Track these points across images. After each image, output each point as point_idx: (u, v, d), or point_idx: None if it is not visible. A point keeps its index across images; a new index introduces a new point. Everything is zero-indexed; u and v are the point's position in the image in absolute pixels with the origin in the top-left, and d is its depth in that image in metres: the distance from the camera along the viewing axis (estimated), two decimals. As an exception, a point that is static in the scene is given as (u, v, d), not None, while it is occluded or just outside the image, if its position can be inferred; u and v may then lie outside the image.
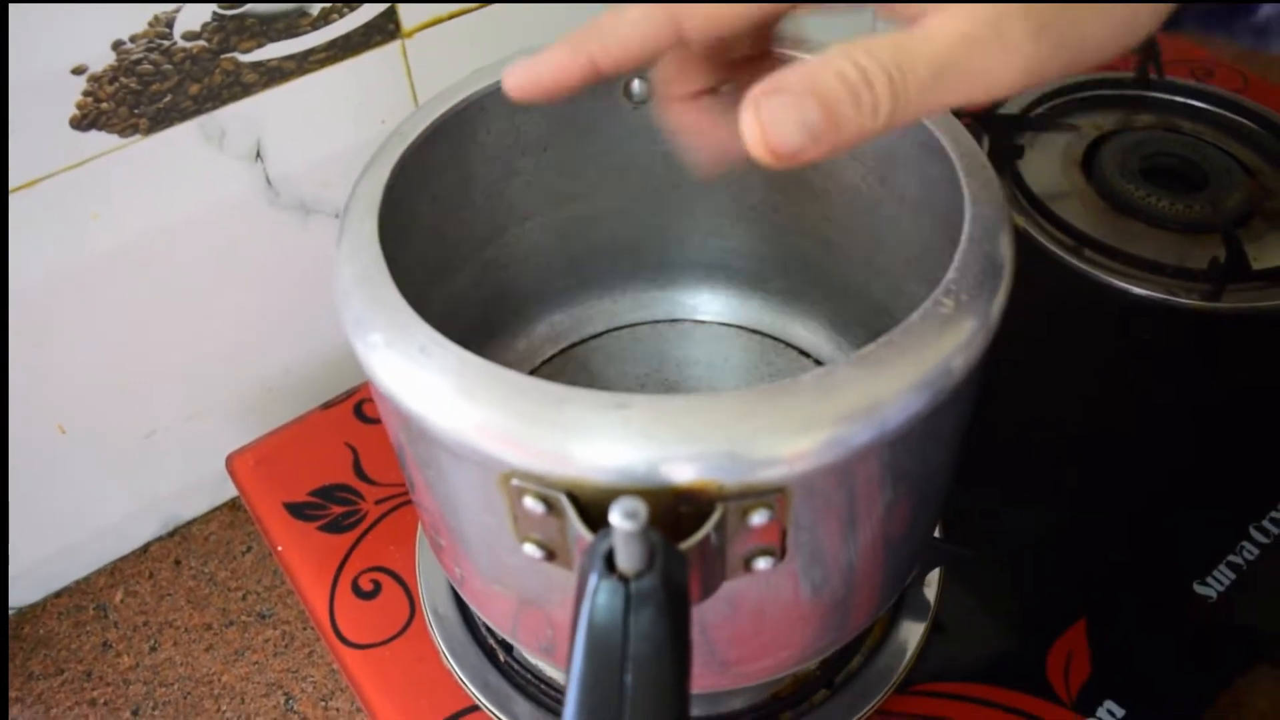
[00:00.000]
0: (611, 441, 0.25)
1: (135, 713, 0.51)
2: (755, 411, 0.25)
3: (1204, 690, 0.42)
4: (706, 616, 0.31)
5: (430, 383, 0.27)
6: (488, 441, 0.26)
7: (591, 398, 0.26)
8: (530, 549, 0.28)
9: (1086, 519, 0.47)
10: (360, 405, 0.53)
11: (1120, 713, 0.41)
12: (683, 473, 0.25)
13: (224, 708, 0.51)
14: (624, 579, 0.23)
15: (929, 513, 0.34)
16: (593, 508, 0.25)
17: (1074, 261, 0.58)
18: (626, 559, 0.22)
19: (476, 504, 0.29)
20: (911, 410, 0.26)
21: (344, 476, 0.50)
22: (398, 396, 0.28)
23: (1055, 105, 0.69)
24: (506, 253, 0.44)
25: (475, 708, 0.42)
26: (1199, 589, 0.44)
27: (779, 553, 0.28)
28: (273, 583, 0.55)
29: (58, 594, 0.56)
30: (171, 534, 0.58)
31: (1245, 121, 0.67)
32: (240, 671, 0.52)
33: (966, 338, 0.28)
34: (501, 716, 0.41)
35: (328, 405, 0.53)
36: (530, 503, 0.26)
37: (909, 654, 0.42)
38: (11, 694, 0.53)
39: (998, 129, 0.65)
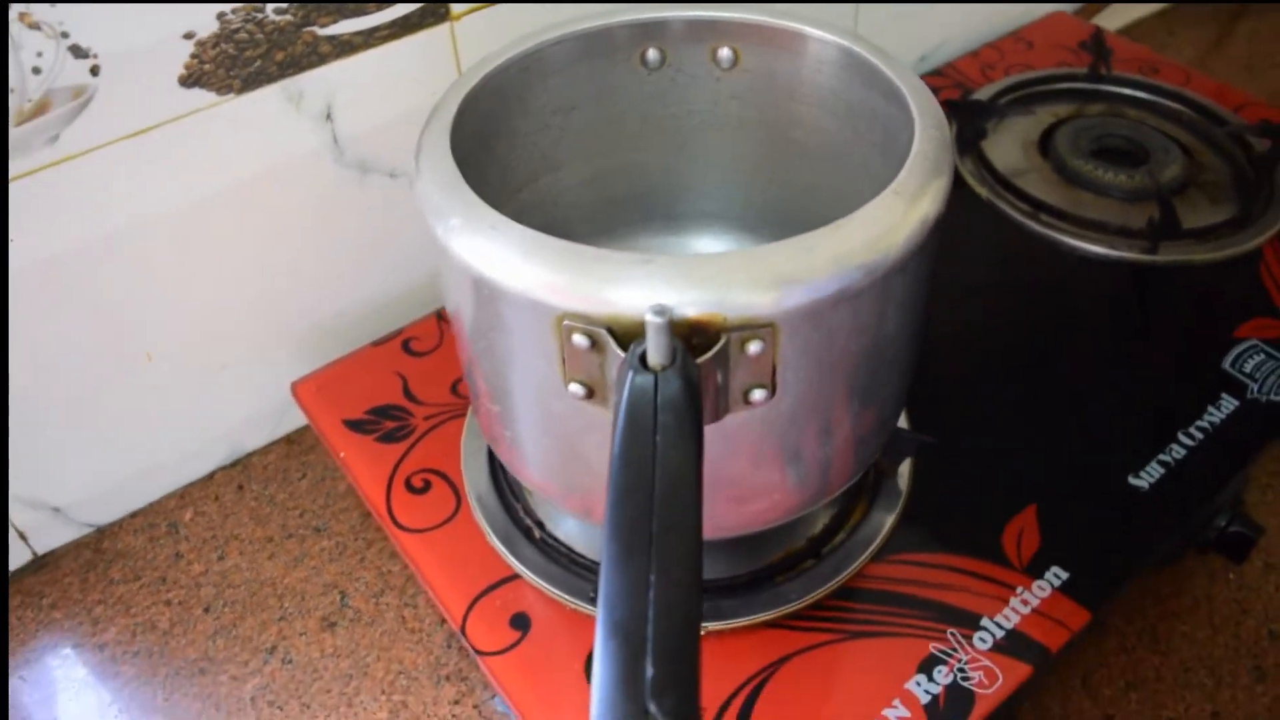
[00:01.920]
0: (640, 287, 0.33)
1: (207, 610, 0.59)
2: (751, 263, 0.33)
3: (1137, 559, 0.49)
4: (710, 457, 0.38)
5: (500, 252, 0.35)
6: (545, 293, 0.34)
7: (624, 256, 0.34)
8: (575, 388, 0.36)
9: (1039, 425, 0.55)
10: (408, 342, 0.61)
11: (1064, 575, 0.48)
12: (694, 309, 0.32)
13: (286, 604, 0.58)
14: (653, 371, 0.30)
15: (893, 378, 0.42)
16: (627, 339, 0.33)
17: (1032, 225, 0.66)
18: (656, 352, 0.30)
19: (532, 353, 0.36)
20: (867, 270, 0.34)
21: (395, 398, 0.58)
22: (474, 265, 0.35)
23: (1017, 96, 0.77)
24: (540, 196, 0.52)
25: (515, 576, 0.49)
26: (1133, 481, 0.52)
27: (771, 386, 0.35)
28: (326, 503, 0.63)
29: (132, 514, 0.63)
30: (234, 464, 0.66)
31: (1185, 110, 0.75)
32: (300, 575, 0.60)
33: (911, 218, 0.35)
34: (539, 580, 0.48)
35: (378, 342, 0.61)
36: (578, 339, 0.34)
37: (884, 531, 0.50)
38: (94, 597, 0.60)
39: (967, 113, 0.73)
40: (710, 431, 0.35)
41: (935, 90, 0.77)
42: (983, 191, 0.69)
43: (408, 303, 0.65)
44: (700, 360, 0.32)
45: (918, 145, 0.38)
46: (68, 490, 0.60)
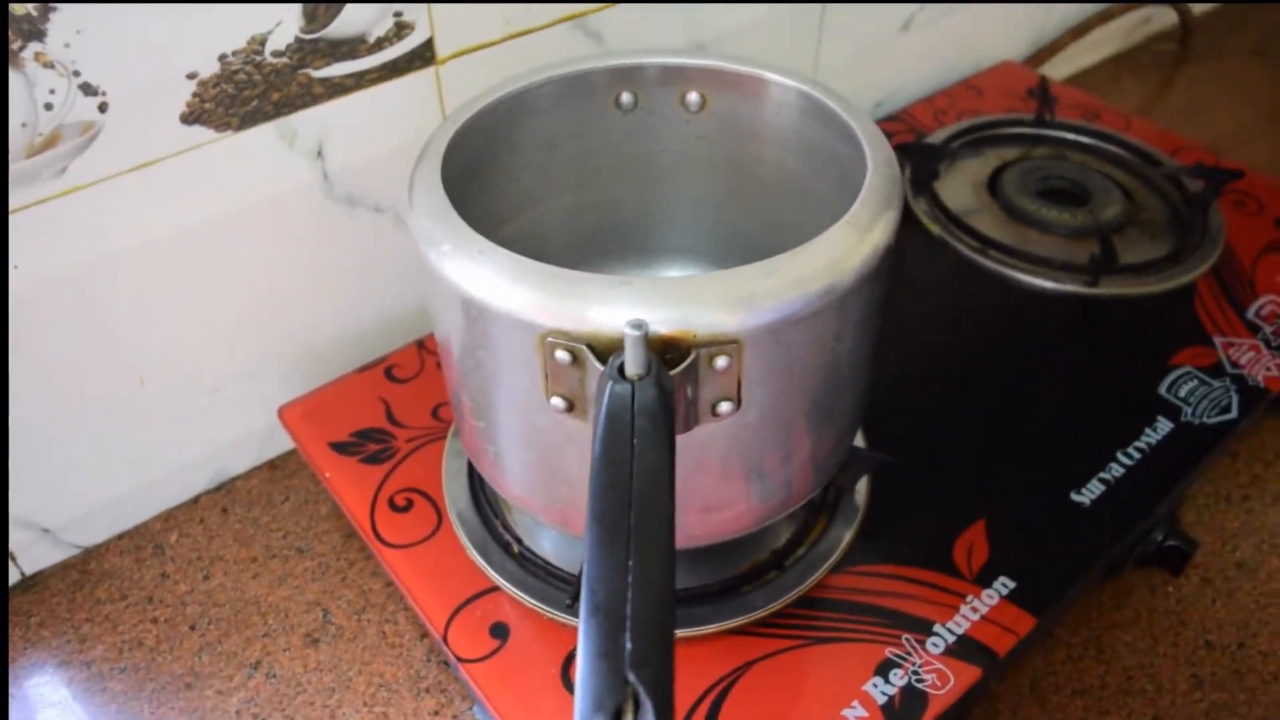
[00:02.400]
0: (618, 306, 0.36)
1: (193, 627, 0.60)
2: (718, 285, 0.37)
3: (1079, 569, 0.53)
4: (681, 466, 0.41)
5: (487, 274, 0.38)
6: (529, 312, 0.37)
7: (602, 278, 0.37)
8: (557, 401, 0.39)
9: (988, 445, 0.59)
10: (390, 369, 0.63)
11: (1012, 584, 0.51)
12: (667, 326, 0.36)
13: (270, 621, 0.60)
14: (630, 381, 0.33)
15: (850, 395, 0.45)
16: (605, 354, 0.36)
17: (980, 260, 0.70)
18: (633, 363, 0.33)
19: (516, 368, 0.39)
20: (823, 292, 0.38)
21: (378, 422, 0.60)
22: (464, 287, 0.38)
23: (967, 140, 0.82)
24: (522, 229, 0.55)
25: (495, 588, 0.51)
26: (1075, 497, 0.55)
27: (736, 399, 0.38)
28: (309, 525, 0.65)
29: (119, 536, 0.65)
30: (218, 488, 0.68)
31: (1125, 153, 0.80)
32: (283, 593, 0.62)
33: (864, 246, 0.39)
34: (517, 592, 0.51)
35: (362, 369, 0.64)
36: (560, 354, 0.37)
37: (843, 545, 0.53)
38: (81, 615, 0.61)
39: (920, 155, 0.78)
40: (681, 443, 0.38)
41: (890, 134, 0.82)
42: (935, 229, 0.73)
43: (391, 332, 0.67)
44: (673, 373, 0.35)
45: (870, 180, 0.42)
46: (58, 511, 0.62)
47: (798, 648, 0.49)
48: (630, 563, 0.29)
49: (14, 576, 0.62)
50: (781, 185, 0.54)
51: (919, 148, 0.79)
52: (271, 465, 0.69)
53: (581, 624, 0.28)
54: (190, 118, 0.51)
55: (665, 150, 0.56)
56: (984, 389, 0.63)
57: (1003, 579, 0.51)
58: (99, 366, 0.57)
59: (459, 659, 0.49)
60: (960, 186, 0.77)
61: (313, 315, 0.64)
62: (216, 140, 0.53)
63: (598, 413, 0.34)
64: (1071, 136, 0.82)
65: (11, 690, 0.58)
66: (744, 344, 0.37)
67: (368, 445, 0.59)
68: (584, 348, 0.36)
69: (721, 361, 0.37)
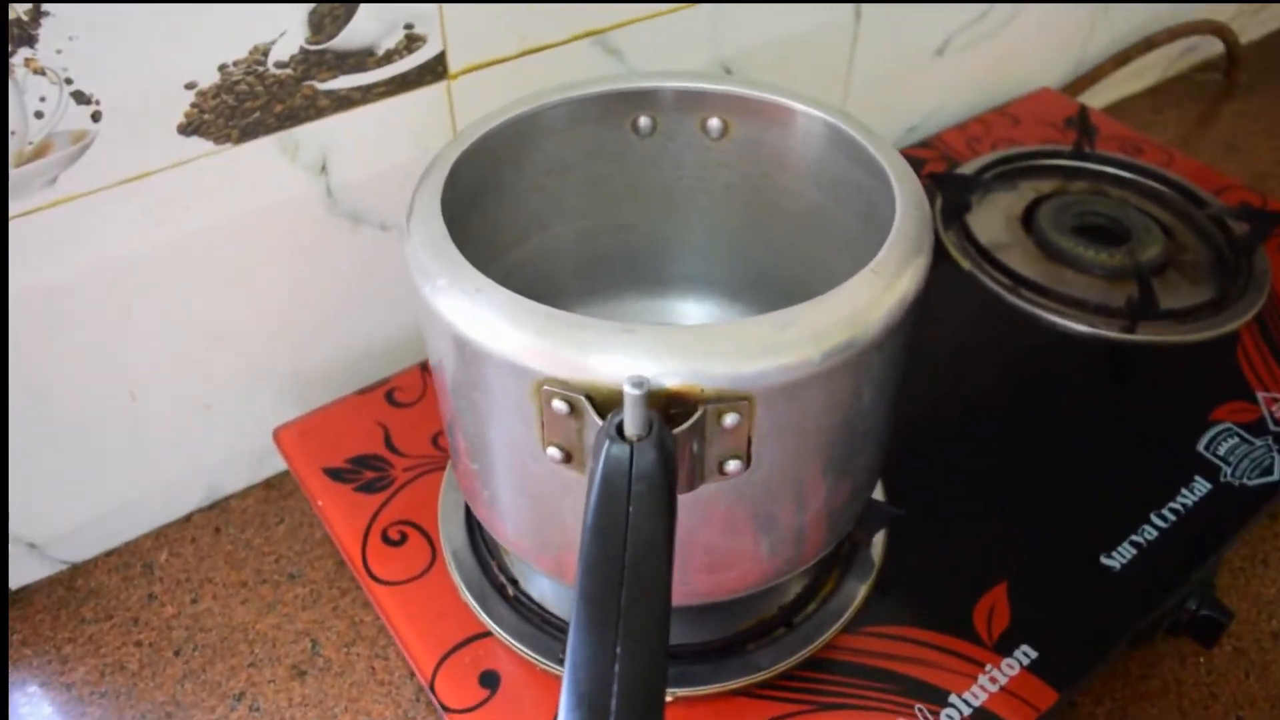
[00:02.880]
0: (621, 355, 0.33)
1: (177, 653, 0.58)
2: (730, 336, 0.34)
3: (1107, 640, 0.49)
4: (684, 524, 0.39)
5: (483, 314, 0.35)
6: (526, 357, 0.34)
7: (605, 325, 0.34)
8: (553, 451, 0.36)
9: (1014, 501, 0.55)
10: (391, 392, 0.61)
11: (1034, 654, 0.48)
12: (673, 379, 0.33)
13: (257, 650, 0.58)
14: (629, 442, 0.31)
15: (868, 452, 0.42)
16: (605, 407, 0.34)
17: (1012, 299, 0.67)
18: (632, 423, 0.31)
19: (511, 414, 0.37)
20: (845, 346, 0.35)
21: (376, 448, 0.58)
22: (458, 326, 0.36)
23: (1002, 170, 0.79)
24: (529, 255, 0.53)
25: (487, 633, 0.49)
26: (1105, 560, 0.52)
27: (746, 457, 0.36)
28: (302, 549, 0.63)
29: (108, 553, 0.63)
30: (212, 506, 0.66)
31: (1166, 190, 0.77)
32: (272, 621, 0.59)
33: (889, 297, 0.36)
34: (509, 638, 0.48)
35: (363, 391, 0.61)
36: (557, 404, 0.34)
37: (856, 602, 0.50)
38: (64, 635, 0.59)
39: (951, 186, 0.75)
40: (685, 500, 0.35)
41: (921, 162, 0.79)
42: (965, 264, 0.70)
43: (393, 353, 0.65)
44: (677, 431, 0.33)
45: (899, 224, 0.39)
46: (45, 526, 0.60)
47: (804, 714, 0.46)
48: (618, 649, 0.27)
49: (-3, 592, 0.61)
50: (803, 217, 0.51)
51: (951, 178, 0.76)
52: (268, 484, 0.67)
53: (561, 715, 0.26)
54: (188, 129, 0.49)
55: (683, 177, 0.53)
56: (1010, 438, 0.59)
57: (1024, 648, 0.48)
58: (88, 380, 0.55)
59: (445, 709, 0.46)
60: (993, 219, 0.74)
61: (312, 334, 0.62)
62: (215, 153, 0.51)
63: (593, 469, 0.31)
64: (1111, 170, 0.79)
65: (-14, 712, 0.56)
66: (756, 401, 0.34)
67: (364, 473, 0.57)
68: (582, 399, 0.34)
69: (731, 419, 0.34)
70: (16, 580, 0.61)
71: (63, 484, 0.59)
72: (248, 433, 0.63)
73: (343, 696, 0.56)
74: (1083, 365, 0.64)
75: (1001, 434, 0.60)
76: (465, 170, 0.44)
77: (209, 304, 0.56)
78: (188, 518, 0.65)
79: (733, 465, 0.36)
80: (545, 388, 0.34)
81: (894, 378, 0.40)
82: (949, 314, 0.67)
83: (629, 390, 0.30)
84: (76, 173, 0.47)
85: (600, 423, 0.33)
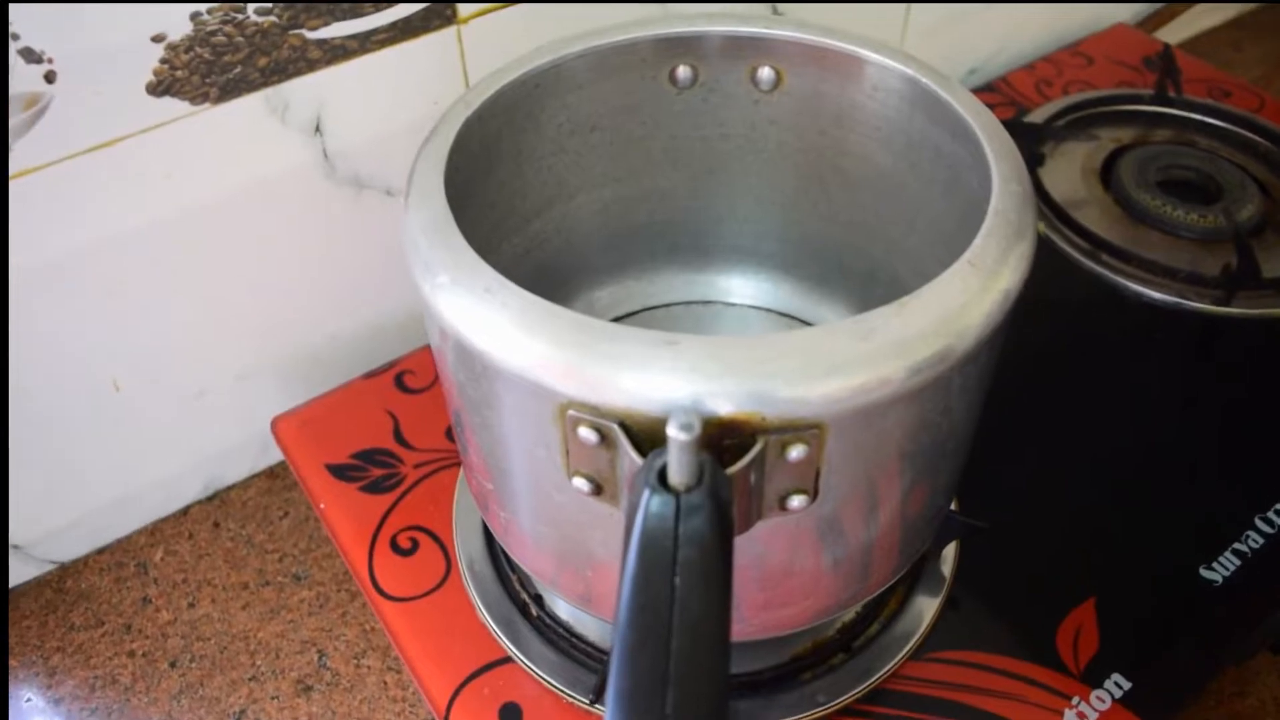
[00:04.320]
0: (662, 374, 0.27)
1: (173, 664, 0.53)
2: (796, 351, 0.27)
3: (1208, 667, 0.44)
4: (739, 559, 0.33)
5: (494, 320, 0.29)
6: (548, 374, 0.28)
7: (644, 335, 0.28)
8: (580, 482, 0.30)
9: (1098, 504, 0.49)
10: (401, 376, 0.55)
11: (1127, 685, 0.42)
12: (728, 405, 0.27)
13: (259, 662, 0.53)
14: (675, 493, 0.25)
15: (948, 473, 0.36)
16: (645, 439, 0.27)
17: (1090, 265, 0.60)
18: (678, 471, 0.24)
19: (530, 439, 0.31)
20: (937, 359, 0.28)
21: (384, 441, 0.52)
22: (463, 334, 0.30)
23: (1077, 118, 0.71)
24: (552, 226, 0.46)
25: (507, 659, 0.43)
26: (1205, 573, 0.46)
27: (813, 491, 0.30)
28: (308, 546, 0.57)
29: (100, 550, 0.58)
30: (211, 498, 0.60)
31: (1260, 139, 0.69)
32: (275, 629, 0.54)
33: (990, 294, 0.30)
34: (532, 667, 0.43)
35: (370, 374, 0.55)
36: (585, 432, 0.28)
37: (925, 624, 0.44)
38: (52, 644, 0.55)
39: (1020, 136, 0.67)
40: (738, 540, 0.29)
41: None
42: (1038, 225, 0.62)
43: (404, 332, 0.59)
44: (732, 471, 0.26)
45: (996, 203, 0.32)
46: (29, 525, 0.55)
47: (867, 756, 0.40)
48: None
49: (-19, 593, 0.56)
50: (868, 183, 0.44)
51: (1019, 126, 0.68)
52: (271, 474, 0.62)
53: None
54: (159, 88, 0.43)
55: (728, 135, 0.46)
56: (1091, 430, 0.53)
57: (1116, 677, 0.42)
58: (66, 370, 0.49)
59: (461, 748, 0.41)
60: (1067, 174, 0.66)
61: (314, 312, 0.56)
62: (193, 114, 0.44)
63: (630, 522, 0.25)
64: (1198, 117, 0.71)
65: (-31, 729, 0.52)
66: (828, 429, 0.28)
67: (371, 470, 0.51)
68: (615, 428, 0.27)
69: (797, 452, 0.28)
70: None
71: (45, 479, 0.53)
72: (247, 419, 0.57)
73: (352, 715, 0.51)
74: (1172, 342, 0.57)
75: (1079, 423, 0.53)
76: (475, 134, 0.38)
77: (198, 283, 0.50)
78: (185, 511, 0.60)
79: (796, 501, 0.30)
80: (571, 412, 0.28)
81: (987, 386, 0.34)
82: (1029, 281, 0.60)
83: (675, 435, 0.24)
84: (34, 141, 0.41)
85: (638, 460, 0.27)
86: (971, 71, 0.79)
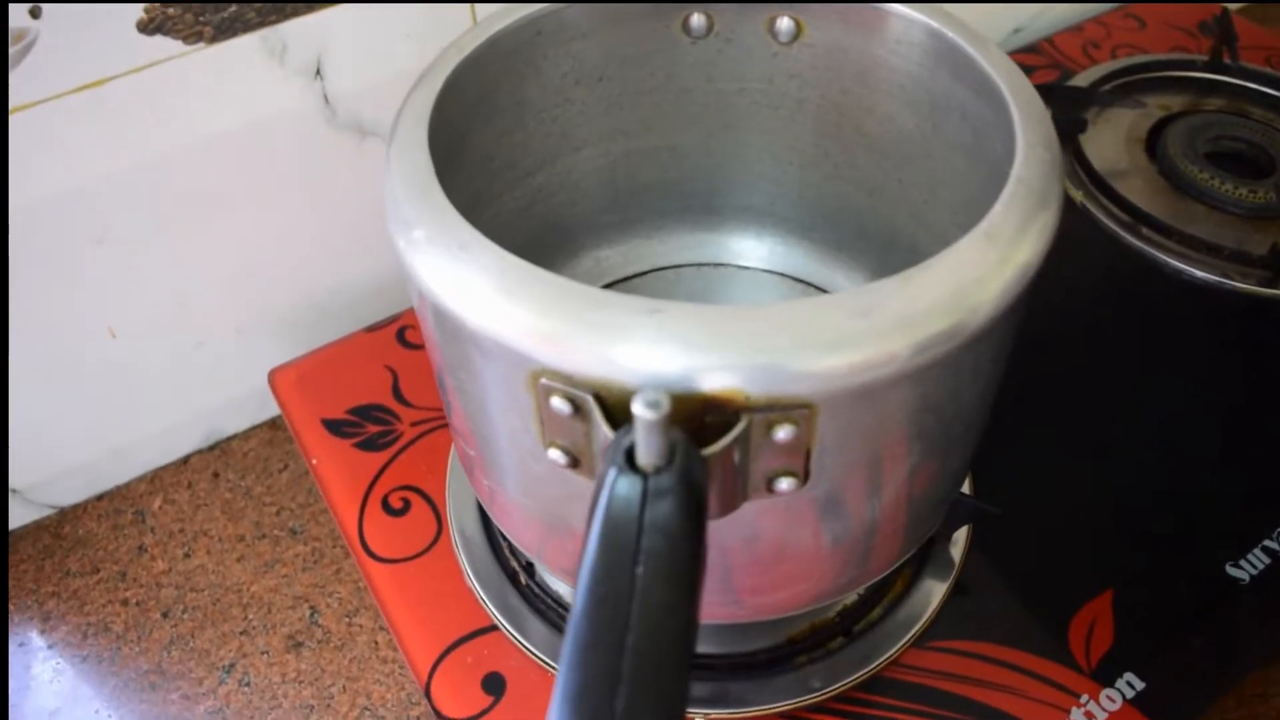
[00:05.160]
0: (642, 344, 0.25)
1: (165, 615, 0.53)
2: (788, 324, 0.25)
3: (1228, 671, 0.41)
4: (727, 540, 0.31)
5: (468, 279, 0.27)
6: (519, 338, 0.26)
7: (625, 301, 0.26)
8: (555, 454, 0.28)
9: (1121, 492, 0.47)
10: (403, 331, 0.54)
11: (1140, 685, 0.40)
12: (710, 379, 0.25)
13: (251, 616, 0.52)
14: (643, 474, 0.23)
15: (957, 457, 0.34)
16: (619, 412, 0.26)
17: (1130, 239, 0.57)
18: (646, 452, 0.22)
19: (505, 407, 0.29)
20: (945, 337, 0.26)
21: (382, 397, 0.51)
22: (436, 293, 0.28)
23: (1124, 82, 0.67)
24: (556, 181, 0.44)
25: (493, 627, 0.42)
26: (1231, 571, 0.44)
27: (802, 475, 0.28)
28: (306, 500, 0.56)
29: (99, 497, 0.58)
30: (212, 447, 0.60)
31: (1321, 111, 0.65)
32: (269, 583, 0.53)
33: (1007, 269, 0.27)
34: (518, 637, 0.41)
35: (372, 328, 0.54)
36: (557, 403, 0.26)
37: (930, 610, 0.42)
38: (48, 589, 0.54)
39: (1063, 100, 0.64)
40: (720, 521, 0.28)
41: (1028, 70, 0.68)
42: (1076, 194, 0.59)
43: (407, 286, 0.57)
44: (710, 451, 0.24)
45: (1019, 169, 0.30)
46: (28, 469, 0.54)
47: (860, 746, 0.39)
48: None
49: (-21, 536, 0.56)
50: (890, 144, 0.42)
51: (1062, 90, 0.65)
52: (273, 425, 0.60)
53: None
54: (150, 26, 0.41)
55: (744, 89, 0.44)
56: (1120, 411, 0.50)
57: (1129, 676, 0.40)
58: (59, 316, 0.48)
59: (441, 716, 0.40)
60: (1110, 141, 0.63)
61: (316, 262, 0.54)
62: (185, 54, 0.43)
63: (592, 506, 0.24)
64: (1254, 86, 0.67)
65: (-39, 671, 0.52)
66: (819, 410, 0.26)
67: (367, 426, 0.50)
68: (589, 399, 0.26)
69: (784, 432, 0.26)
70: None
71: (43, 426, 0.53)
72: (247, 370, 0.56)
73: (341, 674, 0.50)
74: (1212, 323, 0.54)
75: (1109, 405, 0.51)
76: (471, 81, 0.36)
77: (194, 230, 0.49)
78: (185, 460, 0.59)
79: (784, 483, 0.28)
80: (543, 381, 0.26)
81: (1003, 365, 0.31)
82: (1052, 255, 0.57)
83: (642, 413, 0.22)
84: (21, 79, 0.40)
85: (609, 434, 0.25)
86: (1016, 30, 0.75)
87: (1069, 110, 0.63)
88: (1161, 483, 0.47)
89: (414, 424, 0.50)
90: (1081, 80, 0.66)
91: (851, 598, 0.42)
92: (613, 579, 0.22)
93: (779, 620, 0.41)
